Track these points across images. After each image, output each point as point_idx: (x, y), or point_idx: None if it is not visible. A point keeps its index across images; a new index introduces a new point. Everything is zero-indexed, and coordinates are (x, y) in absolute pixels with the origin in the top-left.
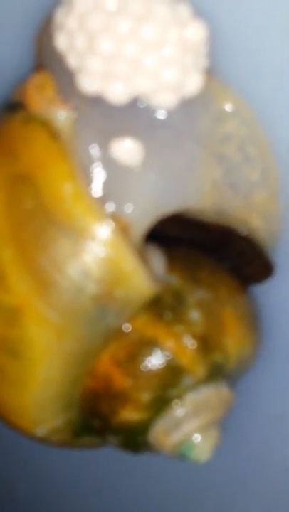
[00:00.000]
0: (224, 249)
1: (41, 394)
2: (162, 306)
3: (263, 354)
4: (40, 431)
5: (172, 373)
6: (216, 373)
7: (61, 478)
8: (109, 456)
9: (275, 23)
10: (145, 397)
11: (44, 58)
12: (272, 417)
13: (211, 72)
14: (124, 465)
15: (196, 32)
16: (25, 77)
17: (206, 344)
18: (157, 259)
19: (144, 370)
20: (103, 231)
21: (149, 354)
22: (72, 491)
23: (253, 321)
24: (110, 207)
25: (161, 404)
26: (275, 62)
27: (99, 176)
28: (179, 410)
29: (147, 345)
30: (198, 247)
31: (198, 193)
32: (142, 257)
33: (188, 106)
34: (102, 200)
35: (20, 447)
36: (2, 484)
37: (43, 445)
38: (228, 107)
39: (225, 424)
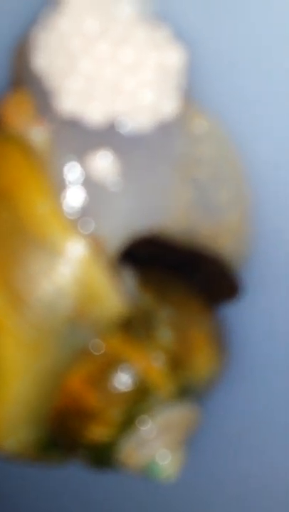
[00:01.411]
0: (193, 271)
1: (11, 409)
2: (133, 325)
3: (229, 372)
4: (8, 445)
5: (142, 391)
6: (185, 392)
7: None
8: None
9: (252, 47)
10: (114, 415)
11: (22, 77)
12: (237, 435)
13: (187, 95)
14: (82, 485)
15: (174, 55)
16: (1, 95)
17: (176, 363)
18: (129, 279)
19: (114, 389)
20: (77, 250)
21: (120, 372)
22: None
23: (222, 341)
24: (84, 226)
25: (130, 422)
26: (250, 85)
27: (74, 195)
28: (147, 428)
29: (118, 363)
30: (169, 267)
31: (171, 214)
32: (115, 276)
33: (164, 128)
34: (77, 218)
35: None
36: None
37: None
38: (203, 130)
39: (190, 441)
